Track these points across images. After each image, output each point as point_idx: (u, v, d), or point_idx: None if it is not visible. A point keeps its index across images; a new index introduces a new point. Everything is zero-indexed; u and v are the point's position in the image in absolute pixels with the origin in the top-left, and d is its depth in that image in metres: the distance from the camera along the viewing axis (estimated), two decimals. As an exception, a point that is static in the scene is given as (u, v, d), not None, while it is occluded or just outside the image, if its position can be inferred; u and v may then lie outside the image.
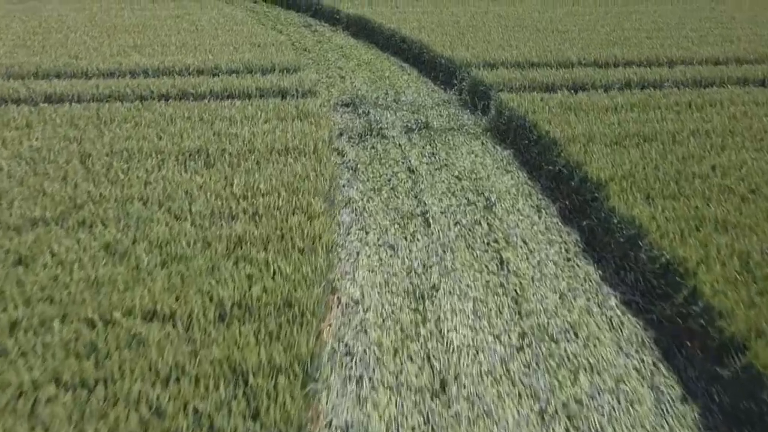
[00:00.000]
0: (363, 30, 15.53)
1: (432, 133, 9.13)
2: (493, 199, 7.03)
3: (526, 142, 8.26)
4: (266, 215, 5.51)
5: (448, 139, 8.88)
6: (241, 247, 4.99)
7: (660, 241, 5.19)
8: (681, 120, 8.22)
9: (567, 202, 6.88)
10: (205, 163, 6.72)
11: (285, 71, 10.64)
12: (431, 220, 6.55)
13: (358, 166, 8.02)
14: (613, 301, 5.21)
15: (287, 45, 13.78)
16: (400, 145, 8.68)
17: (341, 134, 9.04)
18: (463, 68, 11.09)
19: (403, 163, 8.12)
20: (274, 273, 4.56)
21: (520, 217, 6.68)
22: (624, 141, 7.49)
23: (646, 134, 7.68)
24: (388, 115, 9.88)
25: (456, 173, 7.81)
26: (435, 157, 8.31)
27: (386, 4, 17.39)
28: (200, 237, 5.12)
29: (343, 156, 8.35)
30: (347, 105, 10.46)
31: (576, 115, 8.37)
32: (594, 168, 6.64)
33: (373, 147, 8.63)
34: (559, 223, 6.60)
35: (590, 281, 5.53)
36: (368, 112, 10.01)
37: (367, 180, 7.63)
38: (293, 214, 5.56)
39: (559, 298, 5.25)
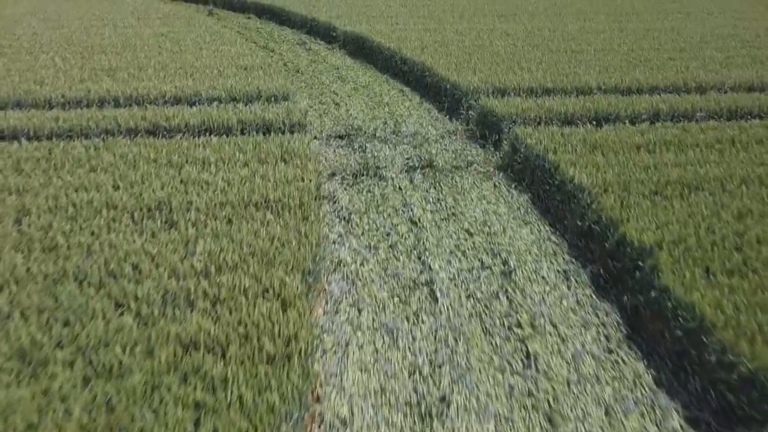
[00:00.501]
0: (361, 49, 14.45)
1: (437, 172, 7.99)
2: (511, 263, 5.88)
3: (547, 187, 7.13)
4: (229, 302, 4.36)
5: (456, 181, 7.74)
6: (192, 354, 3.84)
7: (734, 341, 4.04)
8: (726, 162, 7.08)
9: (601, 269, 5.73)
10: (166, 222, 5.58)
11: (272, 99, 9.53)
12: (438, 293, 5.40)
13: (352, 215, 6.88)
14: (675, 420, 4.04)
15: (278, 67, 12.71)
16: (400, 188, 7.55)
17: (333, 174, 7.91)
18: (470, 95, 9.98)
19: (404, 211, 6.98)
20: (230, 404, 3.39)
21: (546, 288, 5.52)
22: (665, 190, 6.35)
23: (690, 181, 6.54)
24: (387, 150, 8.75)
25: (466, 225, 6.66)
26: (441, 204, 7.17)
27: (386, 20, 16.33)
28: (143, 338, 3.96)
29: (335, 202, 7.22)
30: (341, 137, 9.34)
31: (604, 155, 7.24)
32: (634, 228, 5.50)
33: (369, 190, 7.49)
34: (593, 296, 5.44)
35: (642, 386, 4.36)
36: (365, 146, 8.88)
37: (362, 234, 6.48)
38: (263, 299, 4.41)
39: (605, 414, 4.08)
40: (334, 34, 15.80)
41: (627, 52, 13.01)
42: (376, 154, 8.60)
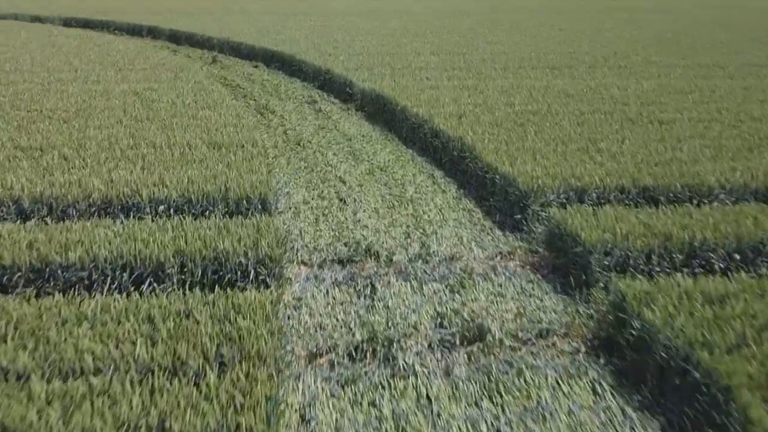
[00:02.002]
0: (381, 112, 11.50)
1: (493, 356, 4.78)
2: None
3: (699, 407, 3.88)
4: None
5: (528, 380, 4.50)
6: None
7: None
8: None
9: None
10: None
11: (242, 206, 6.55)
12: None
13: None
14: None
15: (271, 139, 9.83)
16: (428, 396, 4.35)
17: (314, 358, 4.75)
18: (532, 197, 6.84)
19: (435, 461, 3.79)
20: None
21: None
22: None
23: None
24: (409, 295, 5.60)
25: None
26: (504, 439, 3.96)
27: (413, 74, 13.38)
28: None
29: (308, 424, 4.06)
30: (341, 262, 6.24)
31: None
32: None
33: (373, 403, 4.30)
34: None
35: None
36: (374, 284, 5.75)
37: None
38: None
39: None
40: (350, 91, 12.90)
41: (734, 122, 9.75)
42: (390, 303, 5.45)
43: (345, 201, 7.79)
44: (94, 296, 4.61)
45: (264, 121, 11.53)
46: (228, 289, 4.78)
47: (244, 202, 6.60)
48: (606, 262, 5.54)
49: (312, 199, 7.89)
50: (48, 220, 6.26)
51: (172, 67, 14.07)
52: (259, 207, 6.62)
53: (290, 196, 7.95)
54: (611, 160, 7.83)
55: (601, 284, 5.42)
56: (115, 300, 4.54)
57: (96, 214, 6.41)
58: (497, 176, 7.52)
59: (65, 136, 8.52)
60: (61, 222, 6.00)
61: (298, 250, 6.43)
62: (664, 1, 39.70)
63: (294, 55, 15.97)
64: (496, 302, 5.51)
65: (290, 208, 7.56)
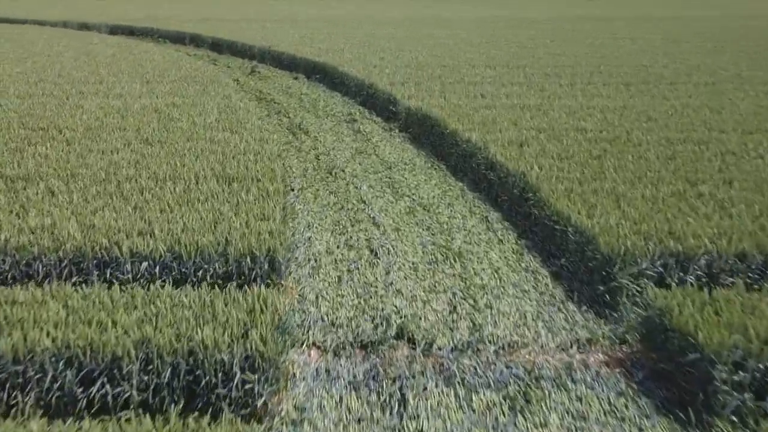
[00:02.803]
0: (427, 135, 10.00)
1: None
2: None
3: None
4: None
5: None
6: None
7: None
8: None
9: None
10: None
11: (245, 265, 5.18)
12: None
13: None
14: None
15: (297, 167, 8.53)
16: None
17: None
18: (620, 266, 5.19)
19: None
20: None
21: None
22: None
23: None
24: (452, 413, 4.06)
25: None
26: None
27: (466, 90, 11.82)
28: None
29: None
30: (364, 348, 4.77)
31: None
32: None
33: None
34: None
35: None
36: (403, 394, 4.24)
37: None
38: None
39: None
40: (394, 109, 11.46)
41: None
42: (425, 426, 3.93)
43: (377, 253, 6.32)
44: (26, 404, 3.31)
45: (295, 143, 10.22)
46: (199, 407, 3.38)
47: (248, 260, 5.22)
48: (737, 379, 3.87)
49: (337, 247, 6.46)
50: (6, 277, 5.07)
51: (202, 80, 12.97)
52: (266, 267, 5.23)
53: (312, 243, 6.54)
54: (720, 211, 6.09)
55: (731, 413, 3.76)
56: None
57: (66, 270, 5.18)
58: (570, 229, 5.90)
59: (61, 163, 7.40)
60: (17, 285, 4.77)
61: (310, 327, 5.00)
62: (748, 5, 36.74)
63: (336, 67, 14.66)
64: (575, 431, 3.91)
65: (309, 261, 6.15)
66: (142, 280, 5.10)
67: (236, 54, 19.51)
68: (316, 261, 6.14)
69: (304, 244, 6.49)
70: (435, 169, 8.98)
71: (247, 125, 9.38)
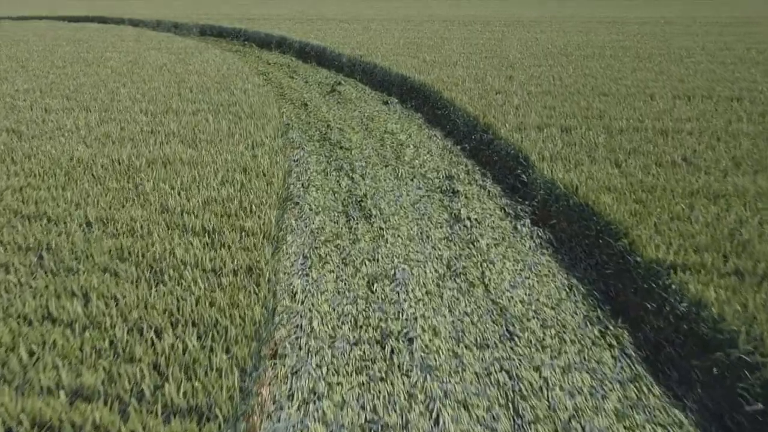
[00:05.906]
0: (584, 238, 5.29)
1: None
2: None
3: None
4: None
5: None
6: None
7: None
8: None
9: None
10: None
11: None
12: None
13: None
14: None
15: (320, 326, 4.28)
16: None
17: None
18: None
19: None
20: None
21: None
22: None
23: None
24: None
25: None
26: None
27: (656, 151, 6.87)
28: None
29: None
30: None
31: None
32: None
33: None
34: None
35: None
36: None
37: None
38: None
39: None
40: (523, 177, 6.80)
41: None
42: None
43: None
44: None
45: (349, 236, 5.86)
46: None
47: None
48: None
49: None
50: None
51: (249, 111, 8.98)
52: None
53: None
54: None
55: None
56: None
57: None
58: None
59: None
60: None
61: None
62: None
63: (441, 92, 10.11)
64: None
65: None
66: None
67: (323, 64, 15.64)
68: None
69: None
70: (607, 325, 4.26)
71: (266, 207, 5.19)
